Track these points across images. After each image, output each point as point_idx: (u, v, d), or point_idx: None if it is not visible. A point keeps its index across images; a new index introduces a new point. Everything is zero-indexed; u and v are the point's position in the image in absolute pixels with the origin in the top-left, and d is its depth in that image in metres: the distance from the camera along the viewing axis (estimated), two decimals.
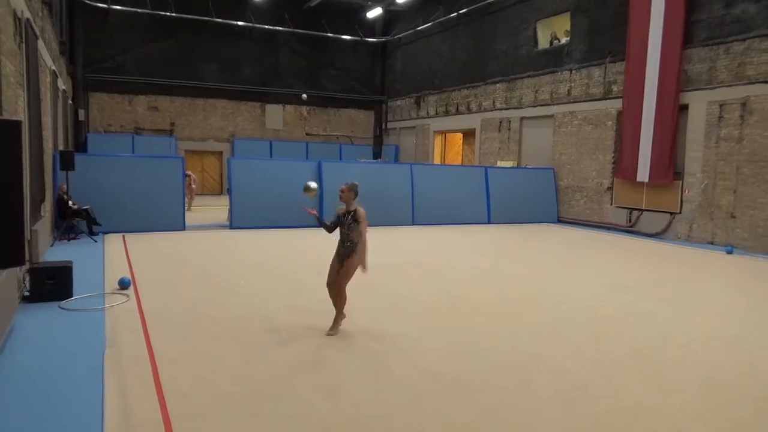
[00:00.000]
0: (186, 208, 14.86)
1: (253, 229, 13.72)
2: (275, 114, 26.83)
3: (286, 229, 13.72)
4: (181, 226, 13.29)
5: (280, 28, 25.62)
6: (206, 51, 24.87)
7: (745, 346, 6.01)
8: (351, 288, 6.00)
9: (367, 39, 27.51)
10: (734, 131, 13.09)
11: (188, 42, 24.47)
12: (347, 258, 5.73)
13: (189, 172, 19.57)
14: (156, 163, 13.43)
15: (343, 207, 5.82)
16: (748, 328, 6.68)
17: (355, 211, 5.70)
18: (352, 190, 5.76)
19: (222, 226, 14.14)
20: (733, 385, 4.89)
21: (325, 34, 26.52)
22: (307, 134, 27.51)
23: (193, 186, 18.31)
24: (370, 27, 27.61)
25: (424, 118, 25.08)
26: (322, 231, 6.10)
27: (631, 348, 5.78)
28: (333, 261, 5.89)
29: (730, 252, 12.51)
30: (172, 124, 24.77)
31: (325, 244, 6.67)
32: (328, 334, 5.79)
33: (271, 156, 24.88)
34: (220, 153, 25.60)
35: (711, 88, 13.56)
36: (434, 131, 24.52)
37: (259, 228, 13.78)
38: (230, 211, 14.04)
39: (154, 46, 24.00)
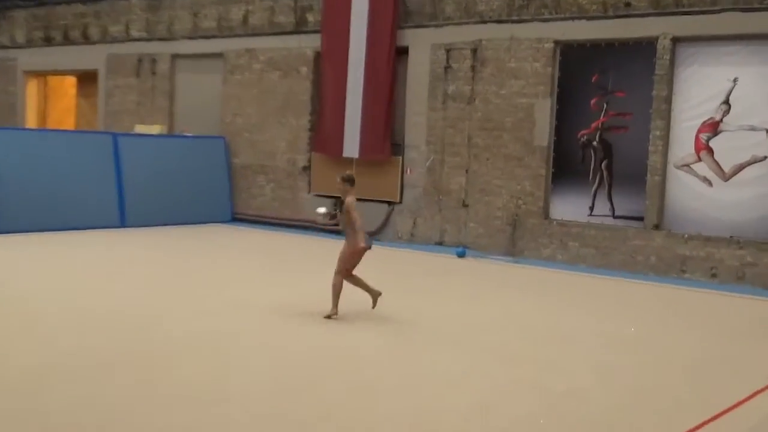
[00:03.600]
0: None
1: None
2: None
3: None
4: None
5: None
6: None
7: None
8: None
9: None
10: (465, 87, 11.48)
11: None
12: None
13: None
14: None
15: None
16: None
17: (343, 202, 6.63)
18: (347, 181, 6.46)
19: None
20: None
21: None
22: None
23: None
24: None
25: (7, 47, 18.67)
26: None
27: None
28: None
29: (462, 255, 10.58)
30: None
31: None
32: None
33: None
34: None
35: (436, 26, 11.91)
36: (25, 71, 18.56)
37: None
38: None
39: None
